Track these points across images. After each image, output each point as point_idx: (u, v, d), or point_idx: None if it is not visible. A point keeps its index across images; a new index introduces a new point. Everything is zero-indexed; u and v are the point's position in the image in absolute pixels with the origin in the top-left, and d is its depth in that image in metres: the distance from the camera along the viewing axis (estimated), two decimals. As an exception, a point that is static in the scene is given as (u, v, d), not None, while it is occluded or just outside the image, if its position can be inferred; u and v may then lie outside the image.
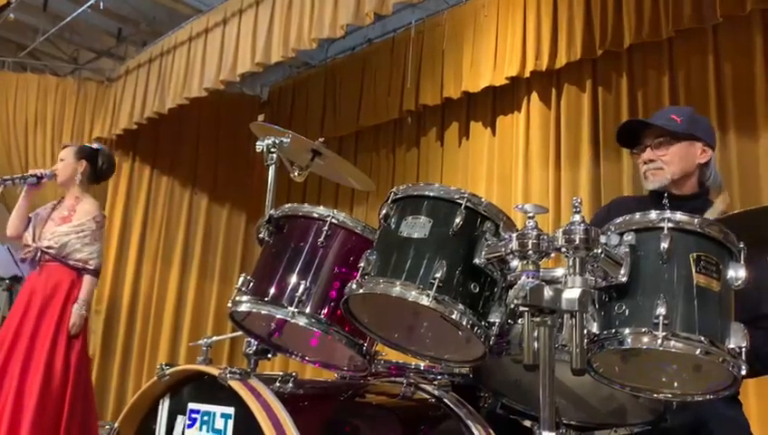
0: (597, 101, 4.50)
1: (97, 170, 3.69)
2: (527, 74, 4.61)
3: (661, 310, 1.23)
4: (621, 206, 2.14)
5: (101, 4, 5.45)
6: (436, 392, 1.82)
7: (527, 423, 1.78)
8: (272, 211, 1.78)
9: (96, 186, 3.91)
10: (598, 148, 4.41)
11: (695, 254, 1.29)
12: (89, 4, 5.56)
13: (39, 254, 3.46)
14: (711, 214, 1.85)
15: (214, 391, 1.59)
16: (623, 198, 2.34)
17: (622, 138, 2.14)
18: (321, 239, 1.66)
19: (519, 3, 4.67)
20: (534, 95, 4.79)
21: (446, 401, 1.79)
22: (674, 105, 4.15)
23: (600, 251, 1.26)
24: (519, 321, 1.44)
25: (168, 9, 6.03)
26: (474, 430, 1.71)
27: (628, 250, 1.31)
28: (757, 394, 3.52)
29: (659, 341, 1.22)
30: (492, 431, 1.73)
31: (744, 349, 1.24)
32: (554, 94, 4.70)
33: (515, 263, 1.40)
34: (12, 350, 3.32)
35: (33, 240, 3.51)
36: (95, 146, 3.77)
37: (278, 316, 1.64)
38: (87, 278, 3.49)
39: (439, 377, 1.93)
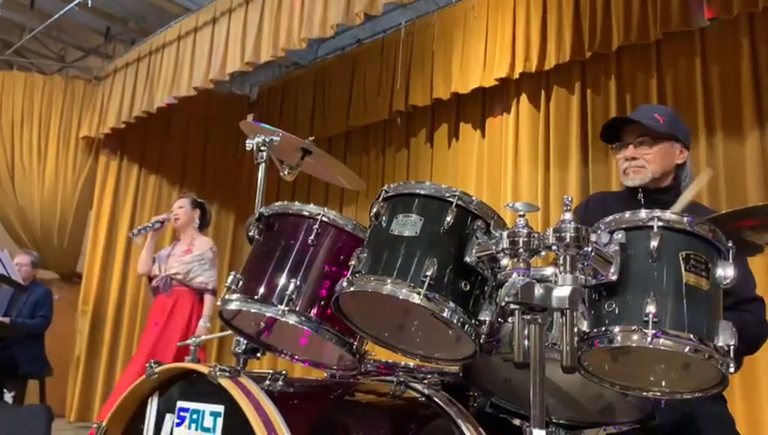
0: (585, 102, 4.53)
1: (205, 218, 4.50)
2: (516, 76, 4.63)
3: (651, 308, 1.24)
4: (599, 202, 2.19)
5: (89, 2, 5.42)
6: (426, 391, 1.81)
7: (517, 422, 1.78)
8: (262, 209, 1.77)
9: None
10: (586, 149, 4.44)
11: (684, 252, 1.29)
12: (77, 2, 5.52)
13: (168, 280, 4.20)
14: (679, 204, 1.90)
15: (203, 389, 1.57)
16: (600, 194, 2.37)
17: (605, 134, 2.16)
18: (312, 238, 1.65)
19: (509, 4, 4.69)
20: (524, 97, 4.81)
21: (435, 399, 1.79)
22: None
23: (590, 249, 1.26)
24: (509, 319, 1.44)
25: (157, 8, 6.01)
26: (464, 428, 1.71)
27: (618, 248, 1.31)
28: (743, 397, 3.55)
29: (649, 339, 1.23)
30: (482, 430, 1.73)
31: (732, 347, 1.25)
32: (543, 96, 4.72)
33: (506, 261, 1.40)
34: (150, 356, 3.83)
35: (162, 271, 4.26)
36: (200, 200, 4.55)
37: (268, 315, 1.62)
38: (208, 297, 4.23)
39: (429, 376, 1.92)
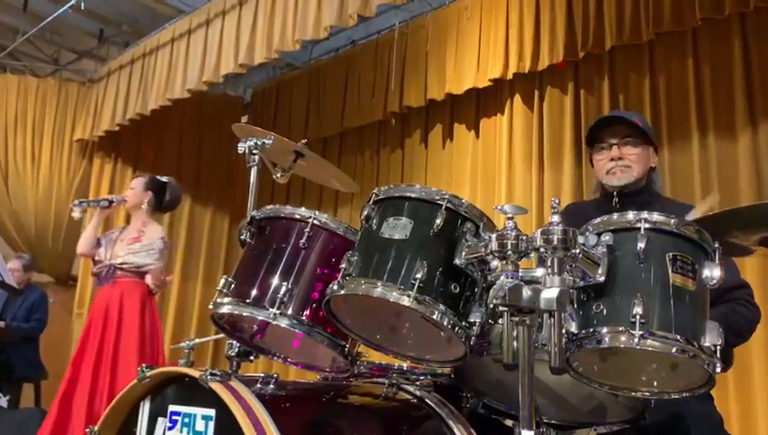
0: (579, 103, 4.54)
1: (162, 201, 4.05)
2: (510, 76, 4.64)
3: (638, 309, 1.25)
4: (577, 211, 2.21)
5: (83, 4, 5.40)
6: (418, 393, 1.82)
7: (509, 423, 1.79)
8: (253, 212, 1.77)
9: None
10: (580, 149, 4.44)
11: (671, 254, 1.30)
12: (69, 4, 5.51)
13: (111, 269, 3.84)
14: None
15: (195, 393, 1.58)
16: (575, 204, 2.39)
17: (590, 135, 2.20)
18: (303, 241, 1.65)
19: (502, 5, 4.70)
20: (517, 97, 4.81)
21: (427, 401, 1.79)
22: (654, 107, 4.21)
23: (578, 251, 1.27)
24: (499, 321, 1.45)
25: (151, 10, 6.00)
26: (455, 429, 1.71)
27: (605, 250, 1.33)
28: (737, 397, 3.56)
29: (636, 340, 1.24)
30: (473, 431, 1.74)
31: (719, 347, 1.27)
32: (537, 96, 4.73)
33: (495, 263, 1.41)
34: (99, 355, 3.72)
35: (107, 258, 3.88)
36: (164, 179, 4.09)
37: (260, 318, 1.63)
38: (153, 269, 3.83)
39: (421, 377, 1.93)
